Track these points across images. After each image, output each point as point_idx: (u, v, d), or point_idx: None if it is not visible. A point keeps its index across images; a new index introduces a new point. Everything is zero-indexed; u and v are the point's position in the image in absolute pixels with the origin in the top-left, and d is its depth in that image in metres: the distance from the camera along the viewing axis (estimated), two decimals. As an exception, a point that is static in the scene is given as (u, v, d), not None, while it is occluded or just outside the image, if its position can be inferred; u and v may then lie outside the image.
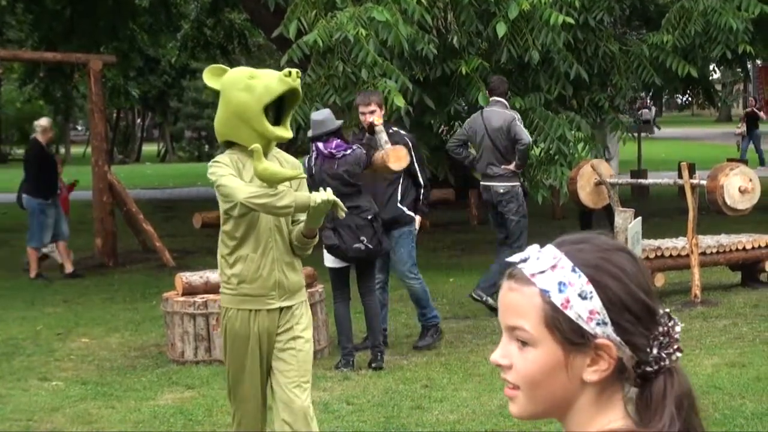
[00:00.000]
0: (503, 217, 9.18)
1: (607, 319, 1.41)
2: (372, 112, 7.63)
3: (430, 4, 10.85)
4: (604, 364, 1.42)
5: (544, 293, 1.43)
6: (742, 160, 22.83)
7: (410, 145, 7.75)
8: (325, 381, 7.18)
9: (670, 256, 9.59)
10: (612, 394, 1.45)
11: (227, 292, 4.49)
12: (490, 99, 9.58)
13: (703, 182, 9.44)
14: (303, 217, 4.48)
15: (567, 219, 16.55)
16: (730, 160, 15.32)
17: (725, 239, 10.06)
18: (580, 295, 1.41)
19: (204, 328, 7.79)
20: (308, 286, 8.15)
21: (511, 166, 9.18)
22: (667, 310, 1.46)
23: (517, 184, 9.24)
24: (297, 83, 4.35)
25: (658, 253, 9.52)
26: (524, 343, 1.44)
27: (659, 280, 9.52)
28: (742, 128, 27.04)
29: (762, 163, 26.07)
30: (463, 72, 11.39)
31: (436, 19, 11.25)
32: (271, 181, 4.32)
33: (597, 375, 1.42)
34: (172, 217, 19.18)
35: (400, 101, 10.10)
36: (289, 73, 4.33)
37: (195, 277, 8.13)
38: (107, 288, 11.83)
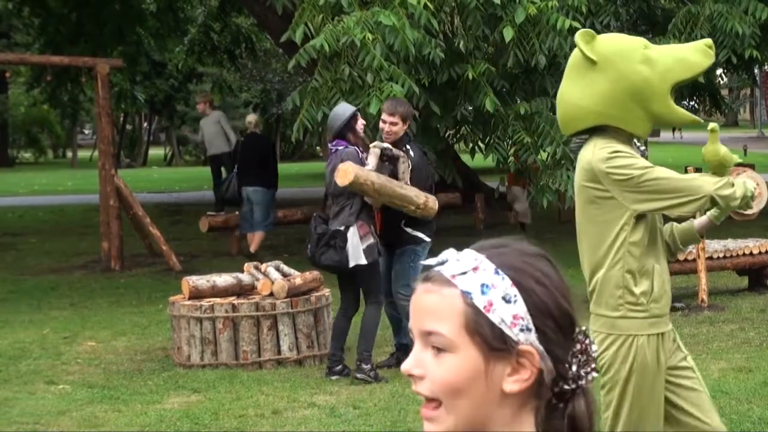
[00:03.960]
0: None
1: (531, 325, 1.33)
2: (393, 124, 7.39)
3: (436, 9, 10.86)
4: (525, 373, 1.33)
5: (465, 295, 1.33)
6: None
7: (414, 163, 7.45)
8: (332, 385, 7.19)
9: (677, 260, 9.59)
10: (530, 411, 1.35)
11: (637, 315, 3.55)
12: None
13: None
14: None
15: (572, 223, 16.52)
16: (737, 164, 15.28)
17: (732, 244, 10.05)
18: (503, 298, 1.33)
19: (210, 331, 7.79)
20: (314, 290, 8.20)
21: None
22: (584, 327, 1.39)
23: None
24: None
25: (665, 258, 9.52)
26: (440, 350, 1.34)
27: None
28: None
29: None
30: (470, 77, 11.39)
31: (442, 23, 11.25)
32: (724, 168, 3.68)
33: (518, 385, 1.33)
34: (179, 221, 19.21)
35: (405, 105, 10.12)
36: (711, 45, 3.65)
37: (202, 281, 8.14)
38: (114, 291, 11.84)
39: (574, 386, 1.35)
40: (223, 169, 15.96)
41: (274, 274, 8.18)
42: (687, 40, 12.33)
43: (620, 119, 3.55)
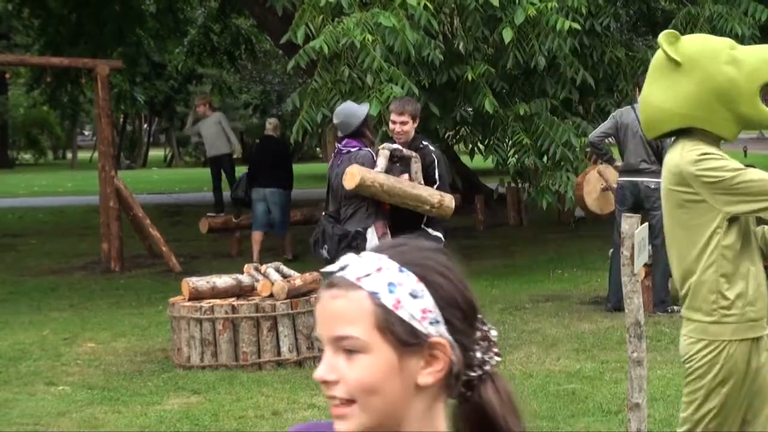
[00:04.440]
0: (647, 212, 9.16)
1: (440, 318, 1.36)
2: (404, 123, 7.26)
3: (436, 10, 10.86)
4: (438, 364, 1.36)
5: (373, 295, 1.36)
6: None
7: (435, 161, 7.38)
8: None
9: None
10: (442, 402, 1.39)
11: (730, 320, 3.49)
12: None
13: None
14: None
15: (572, 224, 16.53)
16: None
17: (732, 245, 10.04)
18: (411, 294, 1.36)
19: (210, 332, 7.79)
20: (314, 291, 8.20)
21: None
22: (479, 315, 1.43)
23: None
24: None
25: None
26: (352, 352, 1.36)
27: (666, 285, 9.51)
28: None
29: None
30: (469, 78, 11.39)
31: (442, 24, 11.25)
32: None
33: (432, 377, 1.37)
34: (179, 222, 19.21)
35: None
36: None
37: (201, 282, 8.14)
38: (113, 293, 11.84)
39: (480, 372, 1.39)
40: (222, 171, 15.98)
41: (274, 276, 8.18)
42: (687, 42, 12.34)
43: (706, 121, 3.47)
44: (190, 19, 24.72)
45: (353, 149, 7.15)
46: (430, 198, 7.23)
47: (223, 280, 8.17)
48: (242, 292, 8.18)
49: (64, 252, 15.47)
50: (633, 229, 4.61)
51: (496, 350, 1.42)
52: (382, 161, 7.12)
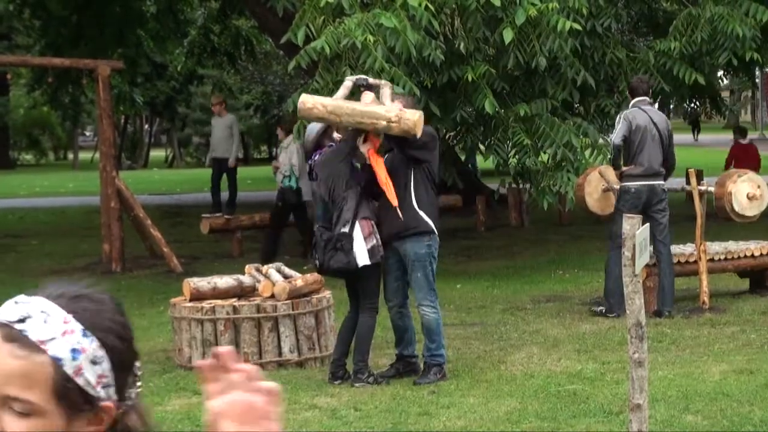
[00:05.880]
0: (657, 213, 9.13)
1: (112, 381, 1.37)
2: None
3: (437, 10, 10.85)
4: (102, 423, 1.37)
5: (56, 362, 1.32)
6: None
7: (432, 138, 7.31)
8: (333, 387, 7.19)
9: (678, 262, 9.58)
10: None
11: None
12: (638, 98, 9.38)
13: (711, 189, 9.43)
14: None
15: (573, 225, 16.54)
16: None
17: (733, 246, 10.04)
18: (92, 361, 1.35)
19: (211, 333, 7.79)
20: (315, 292, 8.20)
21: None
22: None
23: None
24: None
25: (666, 260, 9.51)
26: (21, 413, 1.31)
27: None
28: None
29: None
30: (470, 78, 11.38)
31: (443, 25, 11.25)
32: None
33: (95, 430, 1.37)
34: (180, 222, 19.21)
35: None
36: None
37: (203, 283, 8.14)
38: (114, 293, 11.55)
39: (125, 406, 1.41)
40: (225, 174, 16.01)
41: (276, 276, 8.18)
42: (688, 43, 12.34)
43: None
44: (190, 20, 24.71)
45: (317, 157, 7.32)
46: (386, 113, 6.78)
47: (224, 281, 8.17)
48: (243, 292, 8.18)
49: (65, 253, 15.46)
50: (634, 229, 4.60)
51: (139, 382, 1.45)
52: (341, 91, 7.12)
